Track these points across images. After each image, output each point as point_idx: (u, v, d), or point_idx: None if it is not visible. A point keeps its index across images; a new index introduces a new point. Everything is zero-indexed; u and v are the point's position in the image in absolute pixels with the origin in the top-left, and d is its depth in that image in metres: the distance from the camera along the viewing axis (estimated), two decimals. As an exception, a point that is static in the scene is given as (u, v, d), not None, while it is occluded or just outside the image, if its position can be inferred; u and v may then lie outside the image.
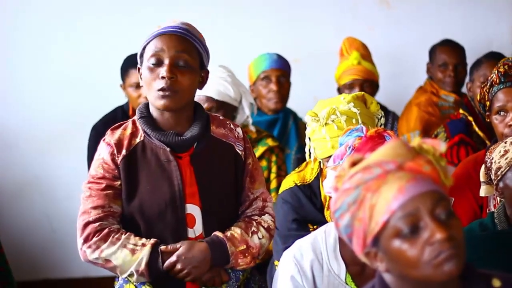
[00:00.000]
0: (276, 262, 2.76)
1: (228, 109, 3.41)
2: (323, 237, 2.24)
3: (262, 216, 2.47)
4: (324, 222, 2.55)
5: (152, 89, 2.32)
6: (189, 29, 2.36)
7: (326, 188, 2.27)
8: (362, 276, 2.21)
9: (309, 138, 2.67)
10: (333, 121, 2.57)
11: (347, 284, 2.19)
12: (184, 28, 2.35)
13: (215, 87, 3.38)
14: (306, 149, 2.70)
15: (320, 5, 4.95)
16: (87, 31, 4.82)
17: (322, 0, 4.95)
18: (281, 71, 4.11)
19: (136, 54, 3.93)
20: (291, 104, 4.26)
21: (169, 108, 2.33)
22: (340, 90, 4.13)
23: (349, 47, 4.11)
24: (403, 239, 1.48)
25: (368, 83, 4.05)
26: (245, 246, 2.39)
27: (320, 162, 2.73)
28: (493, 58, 3.64)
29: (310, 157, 2.71)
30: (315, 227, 2.65)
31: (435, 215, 1.48)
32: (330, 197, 2.67)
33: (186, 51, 2.32)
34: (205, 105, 3.32)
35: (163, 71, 2.29)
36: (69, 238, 4.82)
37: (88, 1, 4.83)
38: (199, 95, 3.30)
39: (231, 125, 2.48)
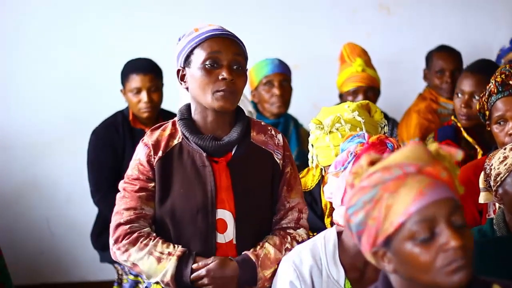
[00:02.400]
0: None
1: None
2: (323, 243, 2.24)
3: (297, 230, 2.46)
4: (324, 229, 2.55)
5: (208, 90, 2.33)
6: (232, 33, 2.40)
7: (327, 193, 2.27)
8: (361, 282, 2.21)
9: (312, 145, 2.67)
10: (337, 129, 2.58)
11: (346, 290, 2.19)
12: (230, 32, 2.39)
13: None
14: (309, 156, 2.70)
15: (320, 11, 4.96)
16: (88, 35, 4.83)
17: (321, 6, 4.96)
18: (283, 76, 4.13)
19: (136, 60, 4.00)
20: (290, 109, 4.27)
21: (226, 109, 2.34)
22: (342, 97, 4.13)
23: (351, 53, 4.11)
24: (417, 243, 1.49)
25: (372, 90, 4.06)
26: (276, 266, 2.36)
27: (321, 169, 2.73)
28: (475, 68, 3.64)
29: (312, 164, 2.71)
30: (314, 234, 2.65)
31: (451, 223, 1.49)
32: (330, 204, 2.67)
33: (240, 54, 2.36)
34: None
35: (223, 73, 2.31)
36: (68, 242, 4.84)
37: (88, 5, 4.83)
38: None
39: (272, 131, 2.48)
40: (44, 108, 4.81)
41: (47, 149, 4.82)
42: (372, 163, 1.55)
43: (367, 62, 4.11)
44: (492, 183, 2.40)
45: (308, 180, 2.79)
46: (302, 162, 4.01)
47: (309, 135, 4.23)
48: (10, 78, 4.81)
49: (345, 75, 4.07)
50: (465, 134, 3.46)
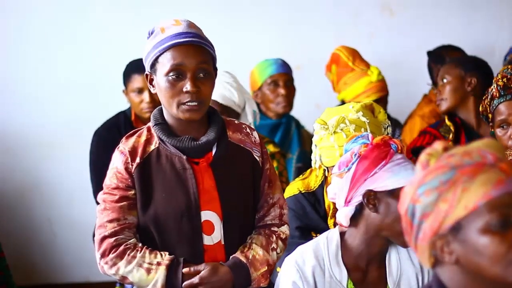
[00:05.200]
0: (278, 269, 2.75)
1: (231, 115, 3.40)
2: (325, 243, 2.25)
3: (281, 227, 2.44)
4: (327, 230, 2.55)
5: (174, 102, 2.28)
6: (199, 33, 2.34)
7: (330, 194, 2.27)
8: (363, 283, 2.22)
9: (316, 146, 2.66)
10: (342, 129, 2.57)
11: (348, 290, 2.20)
12: (196, 35, 2.32)
13: (220, 91, 3.36)
14: (312, 157, 2.69)
15: (322, 12, 4.96)
16: (90, 36, 4.83)
17: (324, 7, 4.96)
18: (287, 76, 4.14)
19: (138, 60, 3.99)
20: (292, 110, 4.26)
21: (194, 119, 2.30)
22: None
23: (354, 59, 4.03)
24: (492, 230, 1.44)
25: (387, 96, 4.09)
26: (266, 268, 2.36)
27: (325, 170, 2.73)
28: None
29: (315, 165, 2.70)
30: (317, 235, 2.65)
31: None
32: (333, 205, 2.67)
33: (204, 61, 2.30)
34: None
35: (187, 85, 2.26)
36: (70, 243, 4.85)
37: (91, 6, 4.84)
38: None
39: (247, 129, 2.45)
40: (46, 109, 4.82)
41: (49, 150, 4.82)
42: (446, 149, 1.51)
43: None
44: None
45: (311, 180, 2.79)
46: (304, 163, 4.02)
47: (310, 136, 4.25)
48: (12, 79, 4.82)
49: (362, 86, 3.98)
50: (447, 121, 3.54)
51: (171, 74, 2.28)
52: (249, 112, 3.46)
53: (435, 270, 1.53)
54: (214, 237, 2.34)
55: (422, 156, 1.51)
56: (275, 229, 2.43)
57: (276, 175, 2.50)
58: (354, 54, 4.09)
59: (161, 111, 2.40)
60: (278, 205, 2.44)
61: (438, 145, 1.52)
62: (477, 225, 1.43)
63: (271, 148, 3.57)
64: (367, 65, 4.05)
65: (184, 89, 2.27)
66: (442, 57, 4.36)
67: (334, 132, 2.58)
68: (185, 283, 2.29)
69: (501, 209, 1.43)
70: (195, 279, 2.29)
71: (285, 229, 2.45)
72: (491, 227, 1.43)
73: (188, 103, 2.27)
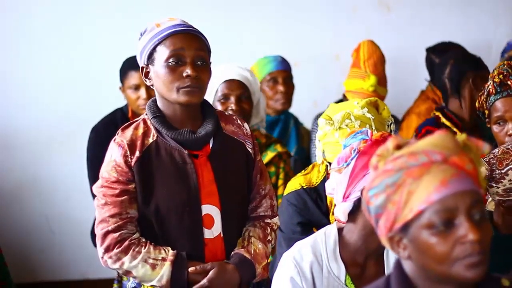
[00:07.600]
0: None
1: (248, 100, 3.36)
2: (323, 239, 2.24)
3: (273, 219, 2.50)
4: (329, 226, 2.55)
5: (173, 88, 2.31)
6: (194, 27, 2.39)
7: (328, 189, 2.27)
8: (361, 278, 2.21)
9: (319, 141, 2.66)
10: (347, 125, 2.57)
11: (346, 286, 2.19)
12: (192, 27, 2.37)
13: (241, 72, 3.33)
14: (316, 152, 2.69)
15: (320, 8, 4.96)
16: (87, 34, 4.84)
17: (321, 3, 4.96)
18: (286, 73, 4.15)
19: (134, 57, 3.96)
20: (290, 108, 4.26)
21: (193, 103, 2.32)
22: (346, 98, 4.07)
23: (368, 59, 3.99)
24: (435, 232, 1.48)
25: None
26: (266, 261, 2.41)
27: (327, 166, 2.73)
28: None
29: (318, 161, 2.70)
30: (319, 230, 2.65)
31: (471, 215, 1.48)
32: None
33: (202, 49, 2.35)
34: (237, 92, 3.30)
35: (187, 70, 2.29)
36: (68, 240, 4.85)
37: (88, 4, 4.83)
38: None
39: (238, 120, 2.48)
40: (43, 106, 4.81)
41: (46, 147, 4.82)
42: (399, 147, 1.54)
43: (381, 76, 3.99)
44: (498, 191, 2.39)
45: (313, 176, 2.79)
46: (300, 157, 4.02)
47: (308, 133, 4.24)
48: (10, 77, 4.81)
49: (354, 86, 3.97)
50: (443, 119, 3.52)
51: (171, 60, 2.31)
52: (262, 108, 3.45)
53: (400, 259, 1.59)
54: (214, 230, 2.36)
55: (373, 158, 1.55)
56: (268, 220, 2.48)
57: (265, 167, 2.54)
58: (371, 55, 4.01)
59: (155, 102, 2.41)
60: (269, 196, 2.49)
61: (390, 144, 1.54)
62: (422, 227, 1.49)
63: (279, 148, 3.49)
64: (375, 71, 3.99)
65: (185, 74, 2.30)
66: (445, 53, 4.33)
67: (339, 127, 2.58)
68: (194, 287, 2.32)
69: (443, 212, 1.46)
70: (205, 282, 2.32)
71: (276, 220, 2.51)
72: (434, 228, 1.47)
73: (188, 87, 2.30)
